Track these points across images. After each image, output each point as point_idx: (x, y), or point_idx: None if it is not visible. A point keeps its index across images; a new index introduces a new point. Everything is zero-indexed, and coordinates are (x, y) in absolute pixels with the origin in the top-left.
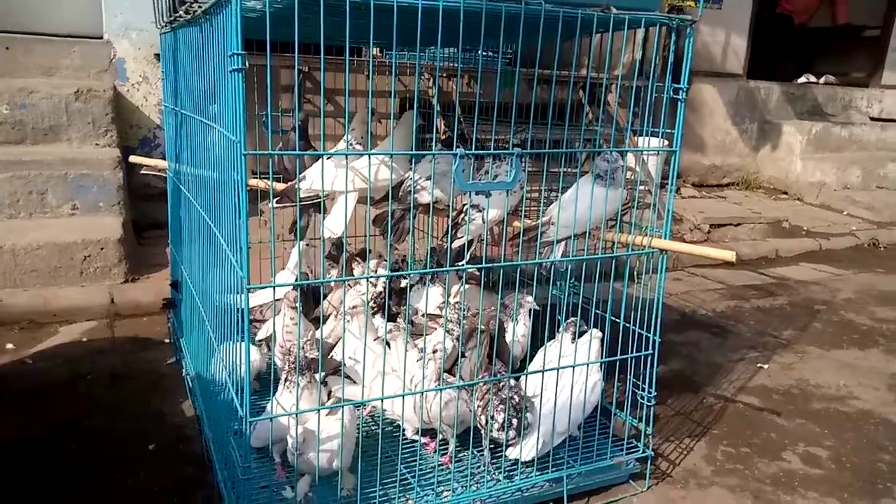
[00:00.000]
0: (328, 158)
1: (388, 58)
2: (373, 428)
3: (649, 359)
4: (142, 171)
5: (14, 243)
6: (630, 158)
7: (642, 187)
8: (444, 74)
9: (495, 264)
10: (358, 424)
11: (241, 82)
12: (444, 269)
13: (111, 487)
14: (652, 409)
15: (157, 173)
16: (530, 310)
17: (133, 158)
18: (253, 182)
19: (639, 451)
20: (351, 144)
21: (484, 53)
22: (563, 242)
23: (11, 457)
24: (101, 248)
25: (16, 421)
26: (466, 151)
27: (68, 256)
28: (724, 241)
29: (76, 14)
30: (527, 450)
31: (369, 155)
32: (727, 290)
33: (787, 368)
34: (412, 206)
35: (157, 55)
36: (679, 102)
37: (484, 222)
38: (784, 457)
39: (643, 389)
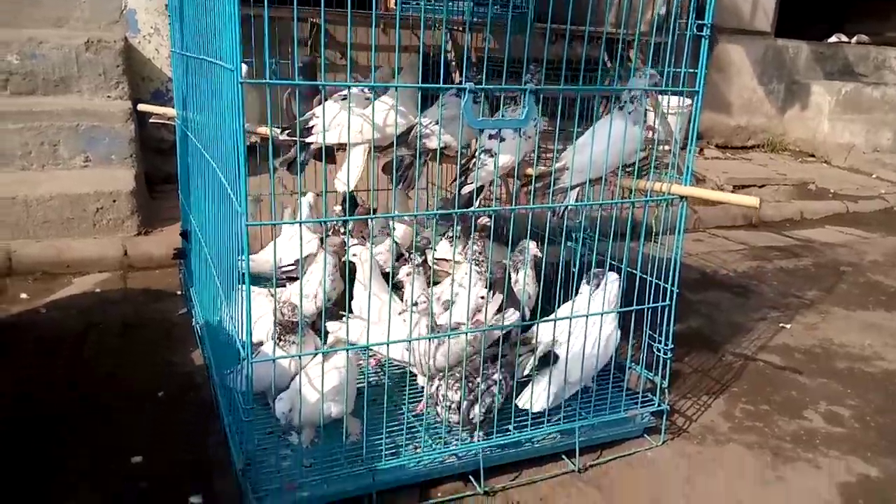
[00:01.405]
0: (333, 104)
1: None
2: (381, 377)
3: (666, 310)
4: (150, 120)
5: (26, 194)
6: (650, 117)
7: (666, 147)
8: (459, 28)
9: (503, 207)
10: (361, 369)
11: (235, 6)
12: (451, 211)
13: (119, 433)
14: (668, 362)
15: (167, 122)
16: (535, 256)
17: (141, 107)
18: (262, 130)
19: (654, 404)
20: (361, 90)
21: (496, 7)
22: (578, 189)
23: (23, 402)
24: (114, 201)
25: (27, 369)
26: (476, 86)
27: (81, 208)
28: None
29: None
30: (538, 399)
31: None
32: (749, 251)
33: (810, 328)
34: (418, 152)
35: (167, 6)
36: (703, 40)
37: (495, 168)
38: (805, 415)
39: (659, 342)
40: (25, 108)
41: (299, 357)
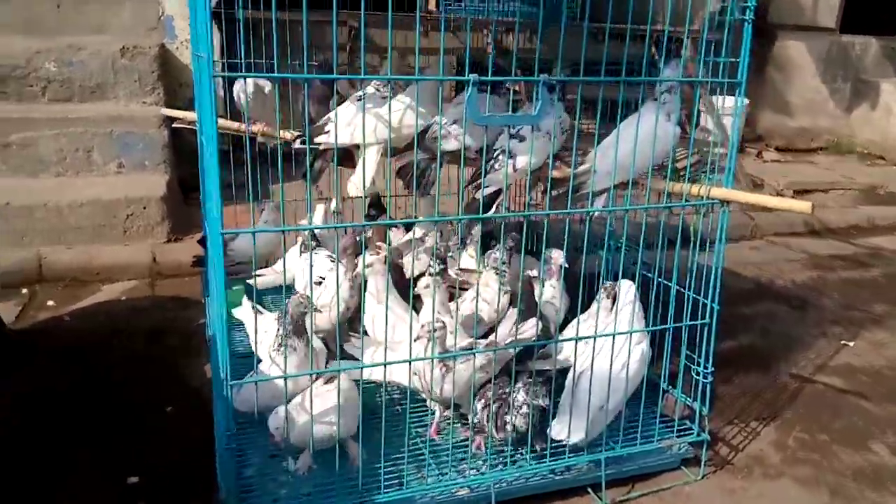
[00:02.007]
0: (349, 105)
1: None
2: (395, 397)
3: (706, 329)
4: (174, 125)
5: (59, 200)
6: (703, 118)
7: (721, 150)
8: (503, 29)
9: (521, 213)
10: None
11: None
12: (456, 217)
13: (121, 450)
14: (708, 386)
15: (189, 126)
16: (561, 266)
17: (164, 111)
18: (282, 133)
19: (693, 433)
20: (377, 89)
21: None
22: (604, 194)
23: (31, 413)
24: (144, 207)
25: (42, 378)
26: (481, 77)
27: (111, 214)
28: None
29: None
30: (575, 430)
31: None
32: (810, 260)
33: (877, 346)
34: (439, 154)
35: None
36: (746, 25)
37: (515, 170)
38: (871, 447)
39: (698, 364)
40: (61, 115)
41: (285, 379)
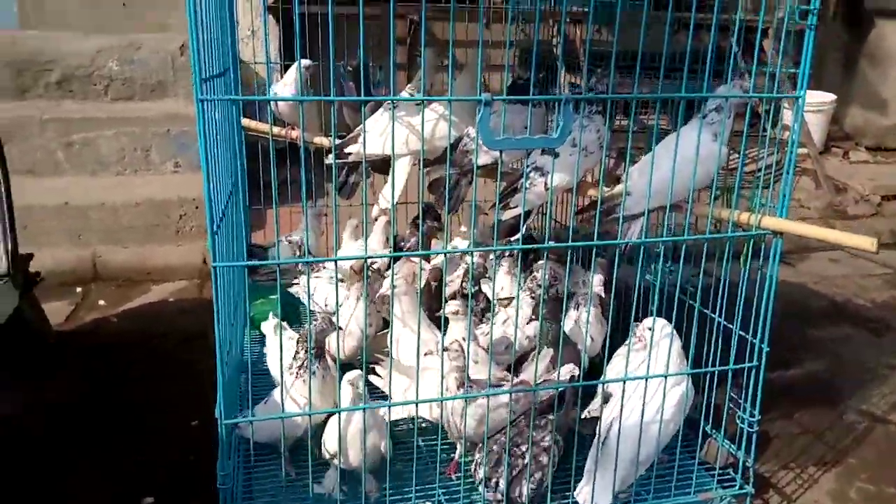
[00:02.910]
0: (384, 113)
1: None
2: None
3: (753, 372)
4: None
5: (115, 199)
6: (786, 115)
7: (802, 150)
8: (570, 20)
9: (539, 246)
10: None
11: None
12: (472, 249)
13: (141, 465)
14: (755, 435)
15: (264, 135)
16: (598, 295)
17: (245, 122)
18: (317, 140)
19: (736, 485)
20: (409, 94)
21: None
22: (639, 221)
23: (59, 418)
24: (196, 207)
25: (77, 381)
26: (494, 97)
27: (164, 214)
28: None
29: None
30: (602, 494)
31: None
32: (894, 276)
33: None
34: (475, 167)
35: (269, 8)
36: (808, 30)
37: (547, 189)
38: None
39: (743, 409)
40: (121, 115)
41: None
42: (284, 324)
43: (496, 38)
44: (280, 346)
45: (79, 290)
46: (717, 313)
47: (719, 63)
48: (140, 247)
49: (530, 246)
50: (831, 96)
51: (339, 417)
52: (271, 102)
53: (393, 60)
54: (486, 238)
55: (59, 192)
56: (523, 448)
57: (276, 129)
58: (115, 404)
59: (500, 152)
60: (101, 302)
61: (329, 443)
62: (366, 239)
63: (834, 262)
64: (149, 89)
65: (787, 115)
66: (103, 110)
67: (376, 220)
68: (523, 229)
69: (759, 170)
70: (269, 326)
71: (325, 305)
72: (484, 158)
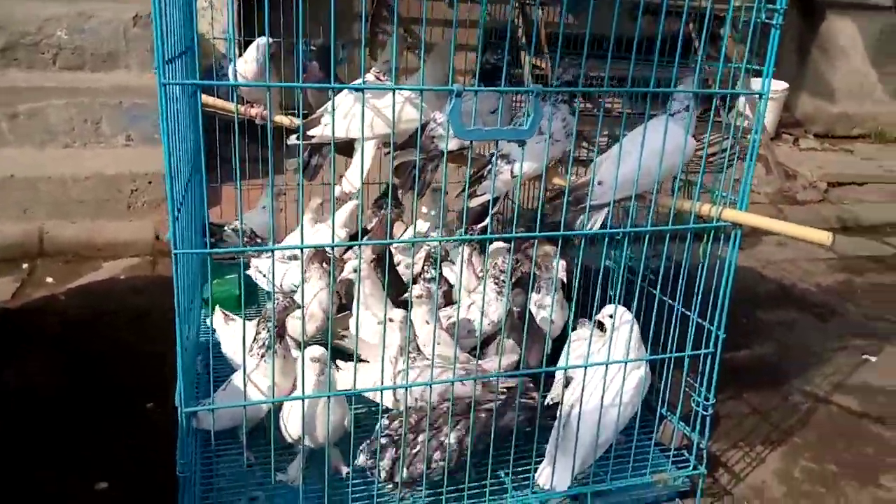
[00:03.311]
0: (349, 94)
1: None
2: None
3: (709, 358)
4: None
5: (63, 172)
6: (740, 102)
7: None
8: (532, 2)
9: (509, 235)
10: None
11: None
12: (441, 238)
13: (93, 449)
14: (708, 418)
15: (222, 112)
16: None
17: (204, 98)
18: (278, 118)
19: (689, 465)
20: (377, 77)
21: None
22: (604, 210)
23: (5, 404)
24: (149, 182)
25: (24, 363)
26: (465, 87)
27: (116, 189)
28: (843, 203)
29: None
30: (560, 477)
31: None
32: (839, 261)
33: None
34: (443, 153)
35: None
36: (773, 29)
37: (514, 176)
38: (883, 483)
39: (699, 393)
40: (70, 85)
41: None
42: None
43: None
44: (243, 329)
45: (25, 265)
46: (676, 300)
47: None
48: (90, 222)
49: (499, 236)
50: (784, 84)
51: (303, 404)
52: (230, 76)
53: (364, 40)
54: (448, 222)
55: (4, 163)
56: (419, 437)
57: (232, 105)
58: (67, 387)
59: (471, 142)
60: (49, 279)
61: (291, 426)
62: (333, 222)
63: (781, 245)
64: (100, 59)
65: (741, 103)
66: (51, 80)
67: (339, 200)
68: (491, 219)
69: (715, 154)
70: (218, 319)
71: (280, 286)
72: (452, 144)
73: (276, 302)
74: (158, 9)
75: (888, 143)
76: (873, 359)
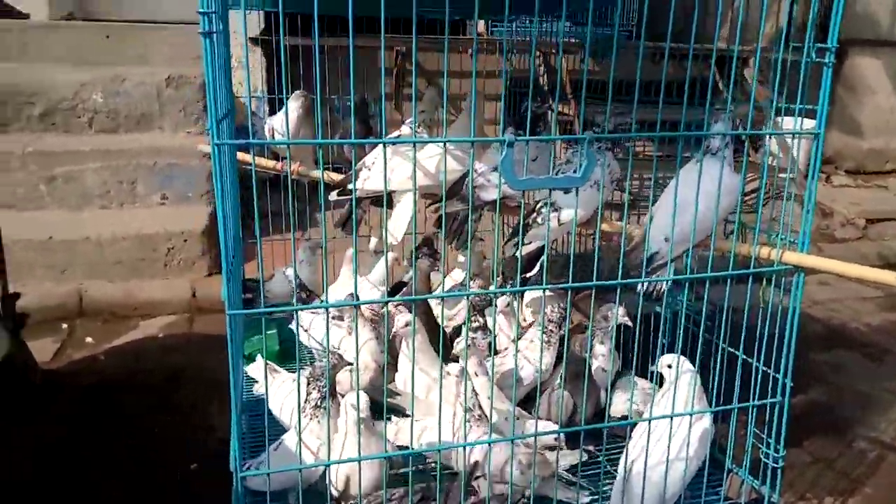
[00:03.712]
0: (389, 148)
1: (493, 34)
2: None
3: (777, 407)
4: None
5: (100, 234)
6: (773, 143)
7: (786, 175)
8: (554, 51)
9: (563, 284)
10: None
11: (207, 48)
12: (495, 291)
13: None
14: (780, 471)
15: (257, 169)
16: (621, 325)
17: (201, 147)
18: (315, 174)
19: None
20: (417, 131)
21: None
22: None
23: (49, 463)
24: (185, 240)
25: (63, 426)
26: (516, 137)
27: (151, 248)
28: (883, 240)
29: None
30: None
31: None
32: (886, 301)
33: None
34: (471, 204)
35: (252, 39)
36: (825, 68)
37: (560, 224)
38: None
39: (768, 445)
40: (105, 147)
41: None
42: (274, 365)
43: (484, 67)
44: (298, 386)
45: (64, 326)
46: (740, 349)
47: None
48: (126, 281)
49: (555, 285)
50: (809, 123)
51: (360, 466)
52: (267, 133)
53: (383, 94)
54: (484, 270)
55: (43, 226)
56: None
57: (271, 163)
58: (107, 448)
59: (523, 192)
60: (88, 339)
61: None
62: (388, 278)
63: (824, 285)
64: (134, 121)
65: (773, 143)
66: (87, 143)
67: (376, 252)
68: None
69: (748, 194)
70: (257, 369)
71: (322, 343)
72: (492, 194)
73: (327, 360)
74: (212, 72)
75: None
76: None
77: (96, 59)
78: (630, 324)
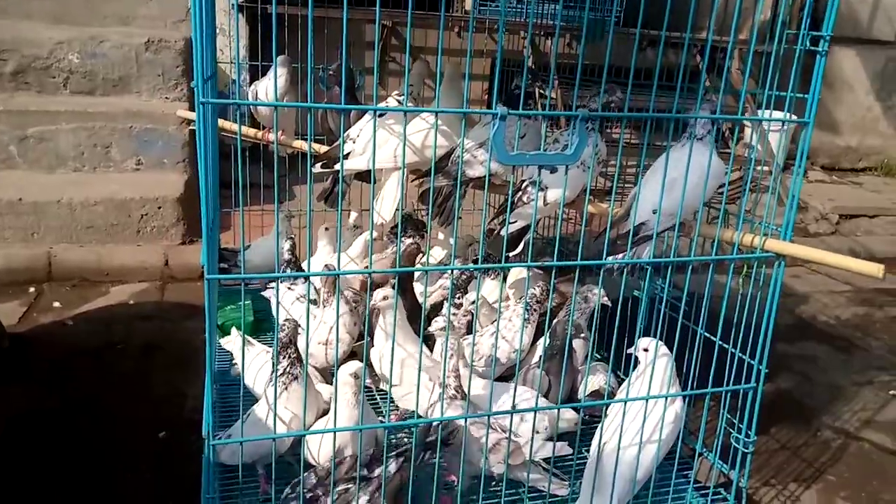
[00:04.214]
0: (370, 122)
1: (481, 13)
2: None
3: (751, 393)
4: (190, 128)
5: (72, 197)
6: (748, 132)
7: (763, 168)
8: (542, 33)
9: (548, 263)
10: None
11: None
12: (484, 266)
13: (106, 487)
14: (749, 456)
15: (235, 136)
16: (600, 306)
17: (181, 112)
18: (297, 144)
19: None
20: (399, 102)
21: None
22: (649, 243)
23: (19, 429)
24: (159, 207)
25: (34, 391)
26: (509, 111)
27: (125, 213)
28: (855, 235)
29: None
30: None
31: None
32: (856, 294)
33: None
34: (459, 181)
35: (234, 5)
36: (819, 56)
37: (546, 203)
38: None
39: (739, 430)
40: (81, 109)
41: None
42: (250, 339)
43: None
44: (275, 357)
45: (32, 289)
46: (717, 335)
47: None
48: (98, 246)
49: (540, 263)
50: (793, 115)
51: (335, 437)
52: (251, 99)
53: (376, 66)
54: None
55: (13, 187)
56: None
57: (252, 131)
58: (77, 415)
59: (513, 167)
60: (56, 303)
61: (320, 453)
62: (371, 251)
63: (795, 277)
64: (111, 84)
65: (747, 133)
66: (61, 104)
67: (355, 227)
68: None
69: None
70: (233, 342)
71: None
72: (478, 171)
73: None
74: (200, 29)
75: (894, 176)
76: None
77: (74, 17)
78: (609, 303)
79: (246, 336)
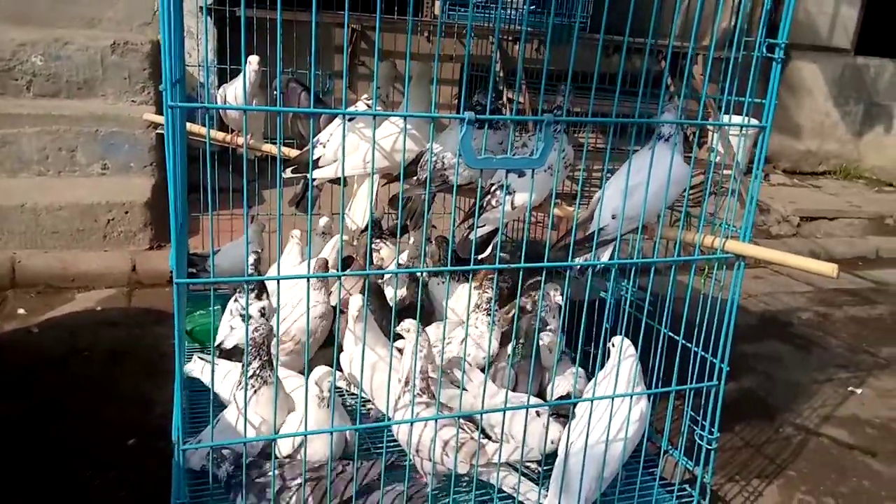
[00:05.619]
0: (341, 126)
1: (450, 18)
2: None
3: (713, 391)
4: (157, 131)
5: (36, 202)
6: (709, 136)
7: (725, 171)
8: (510, 38)
9: (512, 265)
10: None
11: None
12: (448, 269)
13: (77, 491)
14: (713, 452)
15: (204, 139)
16: (559, 306)
17: (147, 116)
18: (266, 147)
19: (693, 500)
20: (368, 106)
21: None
22: (612, 245)
23: None
24: (126, 212)
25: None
26: (477, 115)
27: (92, 218)
28: (815, 237)
29: None
30: None
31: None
32: (815, 294)
33: (885, 395)
34: (429, 184)
35: (202, 8)
36: (774, 63)
37: (514, 207)
38: None
39: (703, 427)
40: (45, 112)
41: (244, 444)
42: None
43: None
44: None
45: None
46: (680, 333)
47: (654, 86)
48: (63, 252)
49: (506, 266)
50: (755, 121)
51: (305, 441)
52: (220, 102)
53: (346, 70)
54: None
55: None
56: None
57: (221, 135)
58: (44, 423)
59: (480, 171)
60: (21, 311)
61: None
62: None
63: (757, 279)
64: (75, 87)
65: (713, 138)
66: (25, 107)
67: (323, 234)
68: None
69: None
70: (197, 368)
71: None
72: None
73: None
74: (168, 32)
75: (852, 180)
76: (859, 391)
77: (38, 19)
78: (561, 304)
79: (205, 357)
